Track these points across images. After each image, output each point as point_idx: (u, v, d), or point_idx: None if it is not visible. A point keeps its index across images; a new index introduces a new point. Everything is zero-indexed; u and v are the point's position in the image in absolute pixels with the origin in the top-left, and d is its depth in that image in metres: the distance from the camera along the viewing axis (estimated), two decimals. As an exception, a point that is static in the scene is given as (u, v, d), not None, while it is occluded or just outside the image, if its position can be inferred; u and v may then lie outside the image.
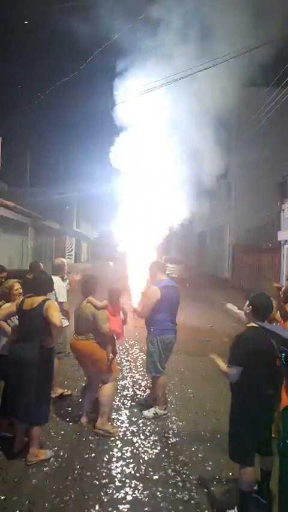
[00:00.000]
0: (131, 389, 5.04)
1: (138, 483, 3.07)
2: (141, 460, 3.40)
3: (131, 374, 5.65)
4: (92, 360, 3.90)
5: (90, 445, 3.61)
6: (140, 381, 5.38)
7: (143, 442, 3.73)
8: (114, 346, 4.07)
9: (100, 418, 3.82)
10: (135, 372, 5.79)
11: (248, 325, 2.87)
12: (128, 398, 4.73)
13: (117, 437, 3.77)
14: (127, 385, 5.20)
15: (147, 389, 5.01)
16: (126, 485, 3.04)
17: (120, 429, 3.95)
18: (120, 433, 3.86)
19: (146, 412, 4.29)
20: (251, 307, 2.86)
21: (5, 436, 3.58)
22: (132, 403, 4.61)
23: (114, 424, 4.04)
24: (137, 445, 3.66)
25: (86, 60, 10.70)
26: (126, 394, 4.87)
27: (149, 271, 4.57)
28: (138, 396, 4.82)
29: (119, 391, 4.85)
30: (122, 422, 4.13)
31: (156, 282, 4.39)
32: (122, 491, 2.97)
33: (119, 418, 4.22)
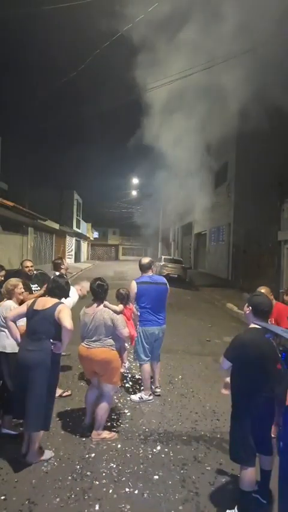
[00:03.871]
0: (131, 389, 5.04)
1: (138, 483, 3.07)
2: (141, 460, 3.40)
3: (130, 374, 5.64)
4: (109, 369, 3.67)
5: (90, 445, 3.61)
6: (139, 381, 5.38)
7: (143, 442, 3.72)
8: (126, 353, 4.02)
9: (95, 430, 3.71)
10: (135, 371, 5.78)
11: (250, 326, 2.87)
12: (128, 398, 4.73)
13: (117, 438, 3.77)
14: (127, 385, 5.19)
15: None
16: (126, 485, 3.04)
17: (119, 429, 3.94)
18: (121, 433, 3.86)
19: (132, 396, 4.73)
20: (250, 307, 2.86)
21: (8, 434, 3.60)
22: (132, 403, 4.61)
23: (114, 424, 4.04)
24: (137, 445, 3.66)
25: (86, 59, 10.71)
26: (126, 394, 4.87)
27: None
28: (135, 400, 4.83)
29: (119, 390, 4.85)
30: (122, 422, 4.12)
31: (136, 278, 4.82)
32: (122, 491, 2.96)
33: (119, 418, 4.21)
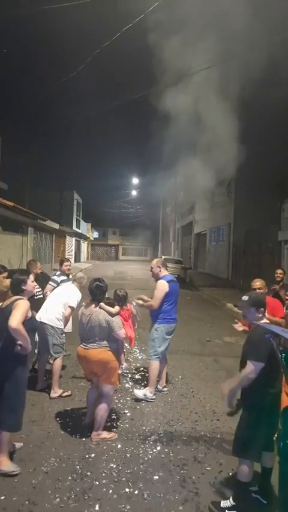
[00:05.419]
0: (131, 390, 5.03)
1: (138, 483, 3.07)
2: (141, 460, 3.40)
3: (131, 374, 5.64)
4: (106, 369, 3.67)
5: (90, 445, 3.61)
6: (140, 381, 5.38)
7: (143, 442, 3.72)
8: (124, 353, 3.99)
9: (95, 431, 3.70)
10: (135, 371, 5.79)
11: (262, 322, 2.90)
12: (128, 399, 4.73)
13: (117, 438, 3.77)
14: (127, 385, 5.19)
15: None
16: (126, 485, 3.03)
17: (119, 429, 3.94)
18: (121, 433, 3.86)
19: (136, 391, 4.76)
20: (262, 309, 2.93)
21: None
22: (133, 403, 4.61)
23: (114, 424, 4.05)
24: (137, 445, 3.66)
25: (85, 59, 10.72)
26: (127, 395, 4.87)
27: (153, 267, 4.96)
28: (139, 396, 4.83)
29: (119, 390, 4.85)
30: (122, 422, 4.12)
31: (162, 277, 4.88)
32: (122, 491, 2.96)
33: (119, 418, 4.21)
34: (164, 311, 4.78)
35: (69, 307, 4.79)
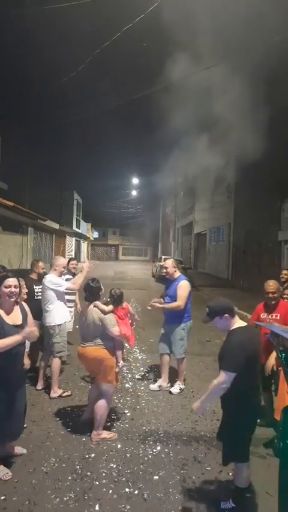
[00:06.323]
0: (131, 390, 5.04)
1: (138, 483, 3.07)
2: (141, 460, 3.40)
3: (131, 375, 5.64)
4: (101, 367, 3.72)
5: (90, 445, 3.61)
6: (140, 381, 5.39)
7: (143, 442, 3.72)
8: (123, 352, 4.04)
9: (95, 430, 3.71)
10: (136, 372, 5.79)
11: (235, 326, 2.73)
12: (128, 399, 4.73)
13: (117, 438, 3.77)
14: (127, 385, 5.20)
15: (148, 389, 5.03)
16: (126, 485, 3.03)
17: (119, 429, 3.94)
18: (121, 433, 3.86)
19: (173, 389, 4.99)
20: (227, 314, 2.73)
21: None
22: (133, 403, 4.61)
23: (114, 424, 4.04)
24: (137, 445, 3.66)
25: (85, 59, 10.71)
26: (127, 395, 4.87)
27: (168, 267, 5.08)
28: (138, 396, 4.82)
29: (119, 390, 4.85)
30: (122, 422, 4.12)
31: (179, 277, 5.03)
32: (122, 491, 2.96)
33: (119, 418, 4.22)
34: (187, 310, 4.99)
35: (65, 290, 4.81)
